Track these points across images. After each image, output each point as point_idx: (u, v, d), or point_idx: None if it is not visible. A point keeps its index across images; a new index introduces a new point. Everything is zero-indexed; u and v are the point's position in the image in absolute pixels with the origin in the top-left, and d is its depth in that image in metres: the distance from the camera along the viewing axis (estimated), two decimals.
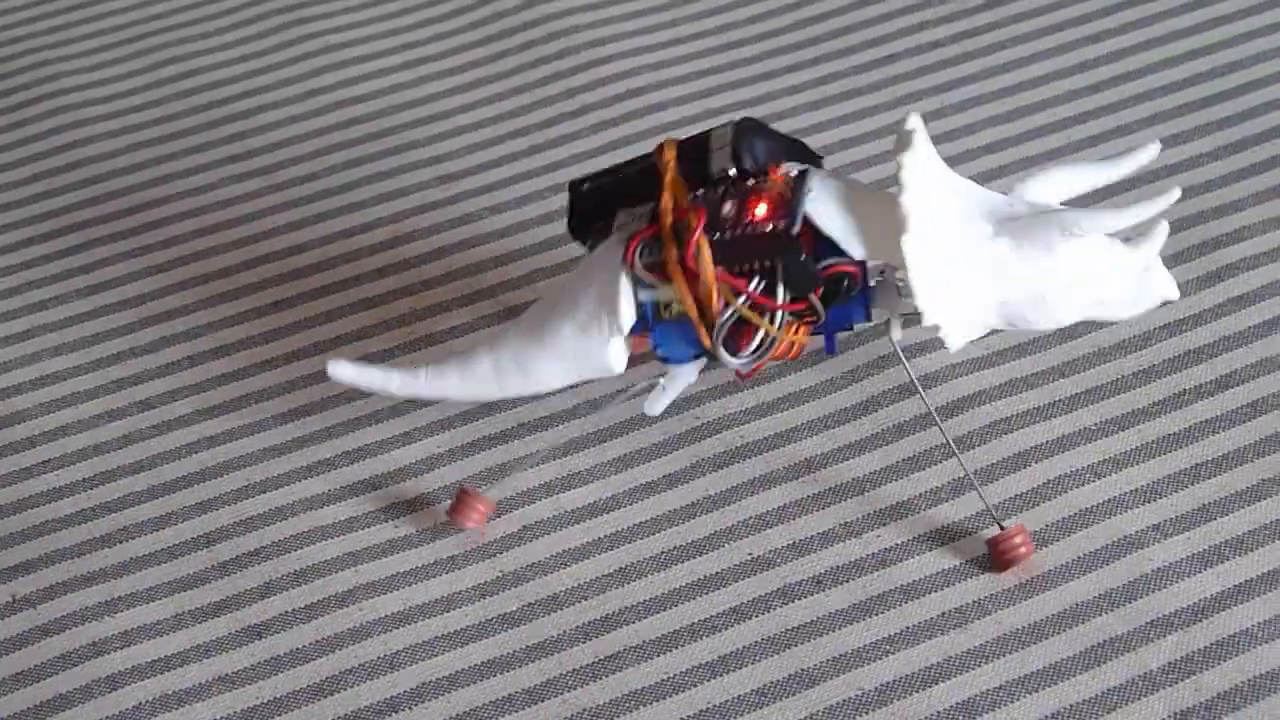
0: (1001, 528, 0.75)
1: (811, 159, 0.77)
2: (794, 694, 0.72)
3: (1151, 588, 0.74)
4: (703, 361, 0.78)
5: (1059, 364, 0.83)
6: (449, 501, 0.80)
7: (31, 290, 0.94)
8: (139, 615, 0.77)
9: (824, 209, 0.74)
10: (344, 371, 0.80)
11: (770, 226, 0.73)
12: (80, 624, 0.77)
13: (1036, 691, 0.71)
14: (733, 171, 0.75)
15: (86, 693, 0.75)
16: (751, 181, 0.75)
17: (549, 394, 0.83)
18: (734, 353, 0.75)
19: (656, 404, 0.79)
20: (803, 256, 0.73)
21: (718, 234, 0.74)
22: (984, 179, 0.91)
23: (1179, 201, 0.80)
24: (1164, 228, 0.73)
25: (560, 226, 0.93)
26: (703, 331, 0.74)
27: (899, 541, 0.77)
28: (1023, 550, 0.74)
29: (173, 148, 1.02)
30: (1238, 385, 0.81)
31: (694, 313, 0.74)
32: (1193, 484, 0.77)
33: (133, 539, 0.81)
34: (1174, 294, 0.74)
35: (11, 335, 0.91)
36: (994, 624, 0.73)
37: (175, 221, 0.97)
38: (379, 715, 0.73)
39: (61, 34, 1.11)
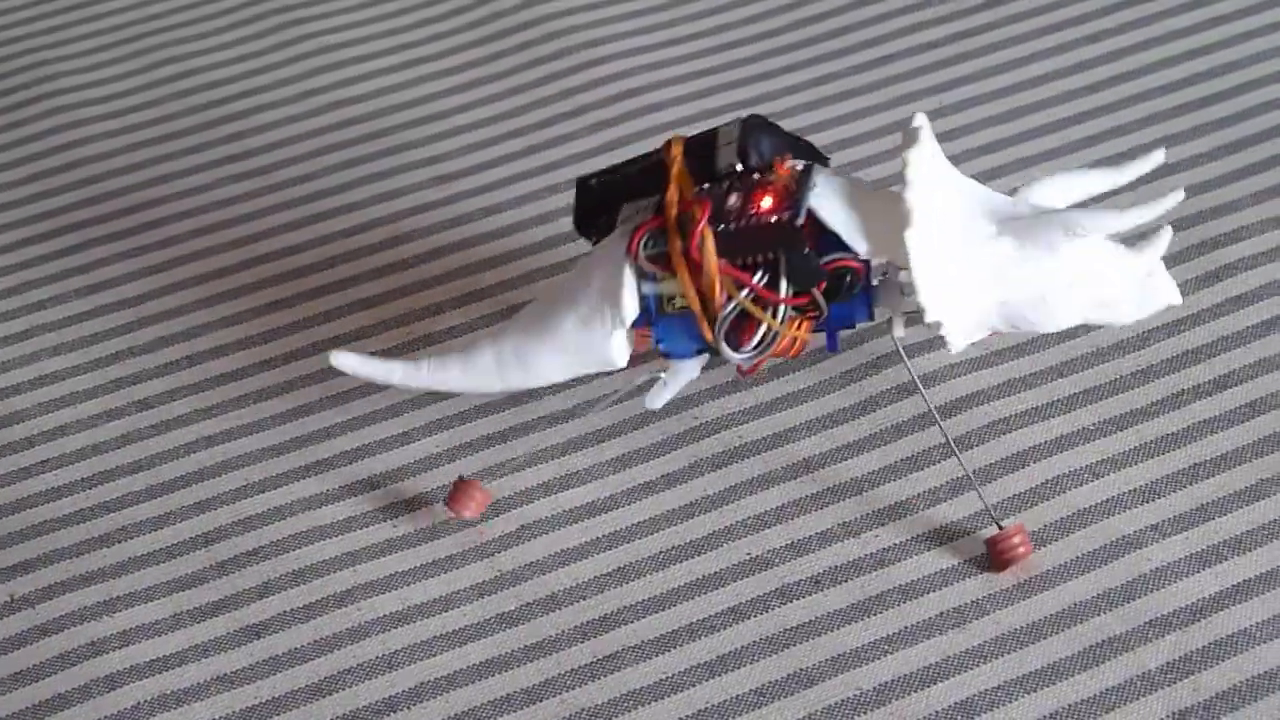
0: (1000, 527, 0.75)
1: (818, 158, 0.77)
2: (792, 694, 0.72)
3: (1150, 588, 0.74)
4: (705, 357, 0.78)
5: (1057, 364, 0.83)
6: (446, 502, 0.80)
7: (29, 290, 0.94)
8: (137, 615, 0.77)
9: (828, 204, 0.74)
10: (346, 361, 0.80)
11: (775, 218, 0.73)
12: (79, 624, 0.77)
13: (1035, 691, 0.71)
14: (739, 167, 0.75)
15: (85, 692, 0.75)
16: (757, 176, 0.75)
17: (549, 387, 0.83)
18: (736, 348, 0.75)
19: (658, 398, 0.79)
20: (806, 249, 0.73)
21: (722, 225, 0.74)
22: (981, 179, 0.91)
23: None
24: (1167, 232, 0.73)
25: (557, 227, 0.93)
26: (705, 326, 0.74)
27: (897, 541, 0.77)
28: (1021, 550, 0.74)
29: (170, 148, 1.02)
30: (1236, 385, 0.81)
31: (697, 306, 0.74)
32: (1191, 484, 0.77)
33: (131, 539, 0.81)
34: (1176, 299, 0.75)
35: (10, 335, 0.91)
36: (992, 624, 0.73)
37: (173, 222, 0.97)
38: (377, 715, 0.73)
39: (59, 34, 1.11)
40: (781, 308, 0.74)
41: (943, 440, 0.79)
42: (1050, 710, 0.70)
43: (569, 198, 0.94)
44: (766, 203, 0.74)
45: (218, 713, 0.74)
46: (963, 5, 1.04)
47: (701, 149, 0.76)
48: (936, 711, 0.71)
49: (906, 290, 0.75)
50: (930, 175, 0.72)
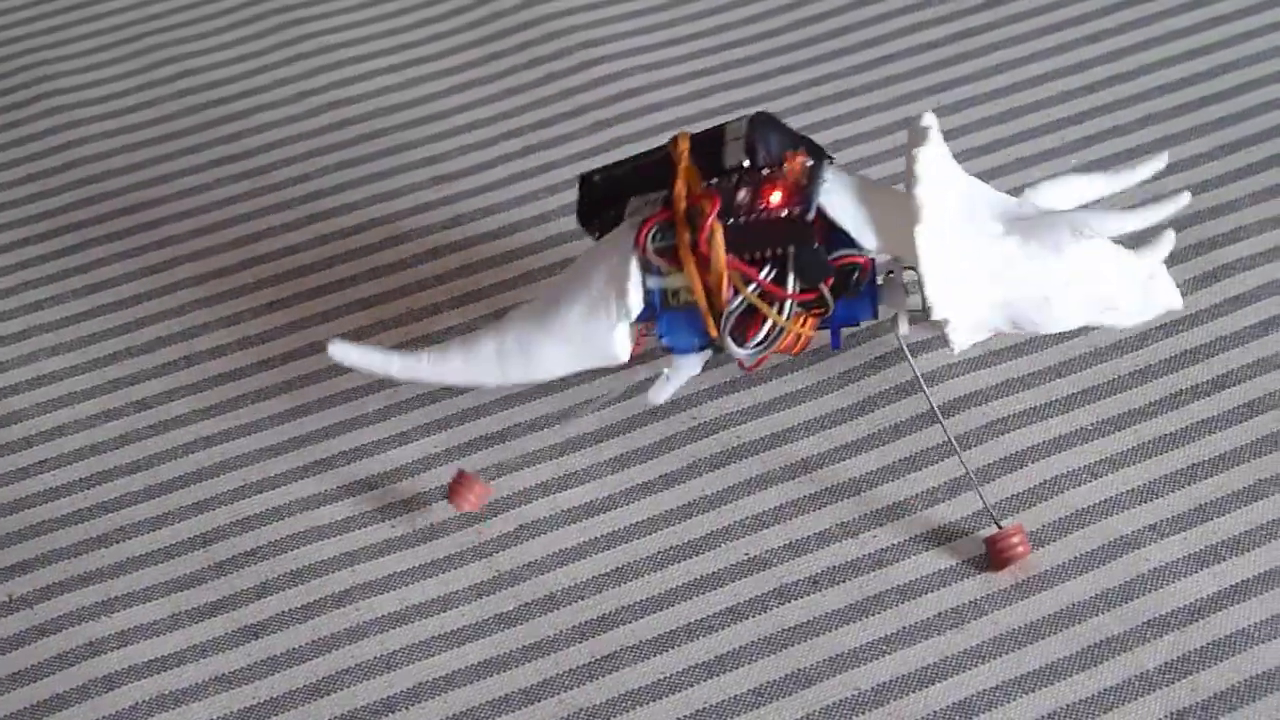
0: (999, 527, 0.75)
1: (822, 156, 0.77)
2: (790, 694, 0.72)
3: (1148, 588, 0.74)
4: (707, 353, 0.78)
5: (1056, 364, 0.83)
6: (445, 501, 0.80)
7: (28, 290, 0.94)
8: (136, 615, 0.77)
9: (837, 200, 0.74)
10: (344, 353, 0.79)
11: (785, 213, 0.73)
12: (77, 624, 0.77)
13: (1033, 692, 0.71)
14: (746, 164, 0.75)
15: (83, 693, 0.75)
16: (766, 170, 0.75)
17: (548, 386, 0.83)
18: (740, 343, 0.75)
19: (660, 393, 0.78)
20: (815, 245, 0.73)
21: (731, 220, 0.74)
22: (980, 179, 0.91)
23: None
24: (1170, 237, 0.73)
25: (556, 227, 0.93)
26: (710, 321, 0.74)
27: (895, 542, 0.77)
28: (1020, 549, 0.74)
29: (169, 148, 1.02)
30: (1234, 385, 0.81)
31: (703, 300, 0.74)
32: (1189, 484, 0.77)
33: (129, 539, 0.81)
34: (1178, 304, 0.75)
35: (8, 335, 0.91)
36: (990, 624, 0.73)
37: (171, 222, 0.97)
38: (375, 715, 0.73)
39: (58, 34, 1.11)
40: (788, 303, 0.74)
41: (941, 440, 0.79)
42: (1048, 710, 0.70)
43: (568, 198, 0.94)
44: (776, 197, 0.74)
45: (216, 713, 0.74)
46: (962, 5, 1.04)
47: (708, 145, 0.76)
48: (934, 712, 0.71)
49: (910, 289, 0.75)
50: (939, 173, 0.72)
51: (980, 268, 0.72)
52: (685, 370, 0.78)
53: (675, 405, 0.83)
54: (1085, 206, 0.78)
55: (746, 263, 0.74)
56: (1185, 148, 0.92)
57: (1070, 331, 0.83)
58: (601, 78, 1.02)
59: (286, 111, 1.03)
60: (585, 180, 0.80)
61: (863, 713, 0.71)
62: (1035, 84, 0.98)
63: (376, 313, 0.90)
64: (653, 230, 0.75)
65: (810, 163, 0.75)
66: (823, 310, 0.75)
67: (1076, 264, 0.72)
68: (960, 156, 0.93)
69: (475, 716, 0.73)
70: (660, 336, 0.77)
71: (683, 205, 0.74)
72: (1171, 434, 0.79)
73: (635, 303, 0.75)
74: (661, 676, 0.73)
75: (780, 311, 0.74)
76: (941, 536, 0.76)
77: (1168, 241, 0.73)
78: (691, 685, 0.73)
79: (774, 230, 0.73)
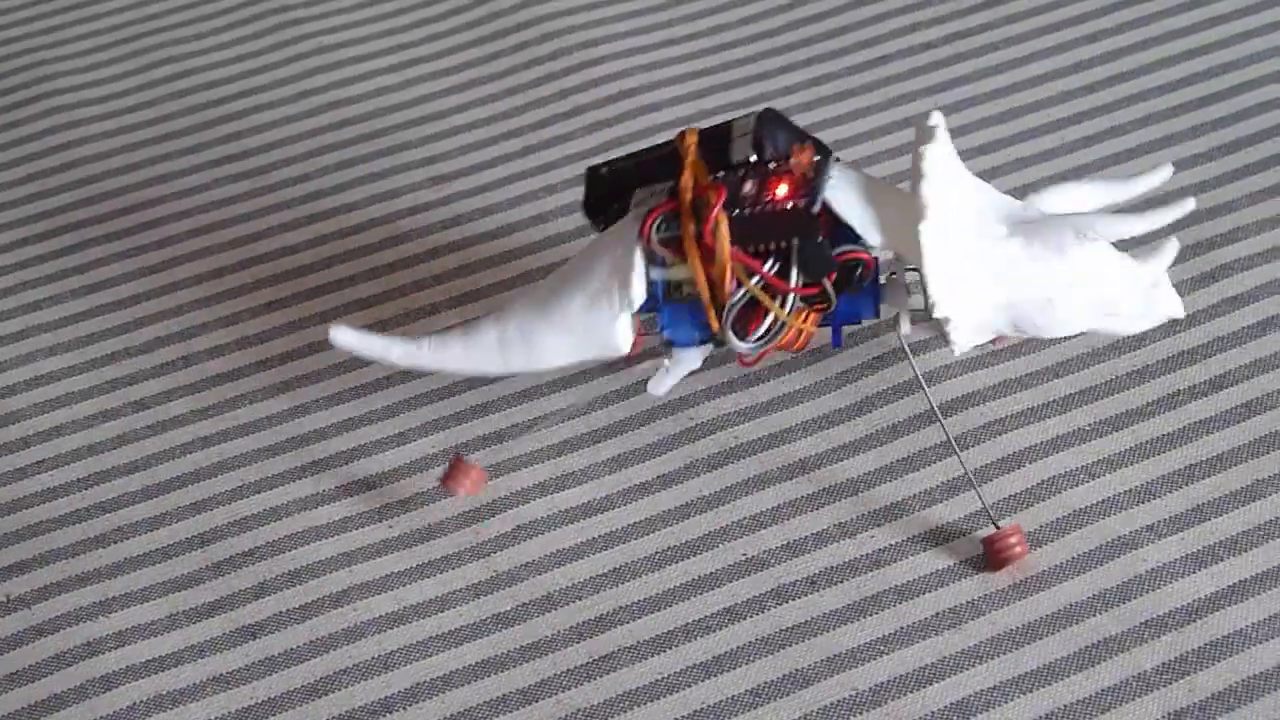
0: (997, 527, 0.75)
1: (827, 154, 0.77)
2: (788, 694, 0.72)
3: (1146, 588, 0.74)
4: (708, 347, 0.77)
5: (1053, 364, 0.83)
6: (443, 501, 0.80)
7: (26, 290, 0.94)
8: (133, 615, 0.77)
9: (843, 196, 0.74)
10: (346, 338, 0.79)
11: (790, 205, 0.73)
12: (75, 624, 0.77)
13: (1031, 692, 0.71)
14: (753, 159, 0.75)
15: (81, 693, 0.75)
16: (773, 164, 0.75)
17: (548, 385, 0.83)
18: (742, 338, 0.75)
19: (660, 385, 0.78)
20: (820, 238, 0.73)
21: (736, 211, 0.74)
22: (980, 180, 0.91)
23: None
24: (1174, 244, 0.73)
25: (554, 228, 0.93)
26: (712, 314, 0.74)
27: (893, 542, 0.77)
28: (1018, 549, 0.74)
29: (167, 148, 1.02)
30: (1232, 386, 0.81)
31: (706, 293, 0.74)
32: (1187, 485, 0.77)
33: (127, 539, 0.81)
34: (1179, 312, 0.75)
35: (6, 335, 0.91)
36: (988, 624, 0.73)
37: (170, 222, 0.97)
38: (373, 715, 0.73)
39: (57, 34, 1.11)
40: (791, 297, 0.74)
41: (939, 441, 0.79)
42: (1046, 711, 0.70)
43: (566, 198, 0.94)
44: (782, 190, 0.74)
45: (214, 713, 0.74)
46: (960, 5, 1.04)
47: (716, 141, 0.76)
48: (932, 712, 0.71)
49: (912, 290, 0.75)
50: (945, 172, 0.72)
51: (984, 268, 0.72)
52: (685, 364, 0.78)
53: (673, 405, 0.83)
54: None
55: (750, 255, 0.74)
56: (1184, 148, 0.92)
57: None
58: (600, 78, 1.02)
59: (285, 112, 1.03)
60: (592, 173, 0.80)
61: (860, 713, 0.71)
62: (1034, 84, 0.98)
63: (375, 313, 0.90)
64: (658, 220, 0.75)
65: (817, 157, 0.75)
66: (825, 306, 0.75)
67: (1080, 266, 0.72)
68: (960, 157, 0.93)
69: (473, 717, 0.73)
70: (662, 329, 0.77)
71: (688, 196, 0.74)
72: (1169, 434, 0.79)
73: (638, 293, 0.75)
74: (659, 677, 0.73)
75: (782, 305, 0.74)
76: (939, 537, 0.77)
77: (1171, 249, 0.73)
78: (689, 686, 0.73)
79: (779, 222, 0.73)
